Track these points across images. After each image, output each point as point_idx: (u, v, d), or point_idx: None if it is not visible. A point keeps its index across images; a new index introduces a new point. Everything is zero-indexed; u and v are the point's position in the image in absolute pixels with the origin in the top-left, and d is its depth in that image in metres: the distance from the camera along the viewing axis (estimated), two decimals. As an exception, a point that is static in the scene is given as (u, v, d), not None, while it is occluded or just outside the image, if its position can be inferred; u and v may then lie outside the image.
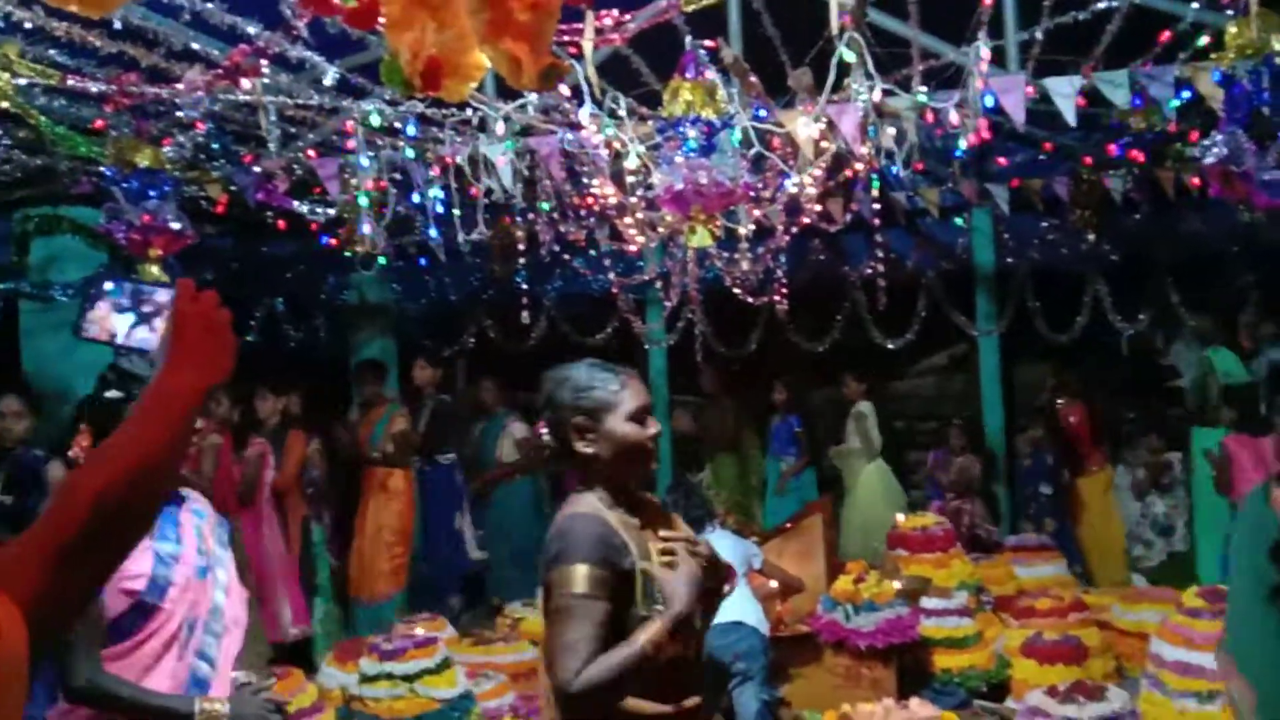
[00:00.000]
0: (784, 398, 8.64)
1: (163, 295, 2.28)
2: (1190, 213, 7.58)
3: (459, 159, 5.02)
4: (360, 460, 7.19)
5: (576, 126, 4.69)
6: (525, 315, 7.25)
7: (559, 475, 8.12)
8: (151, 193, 4.13)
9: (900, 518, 6.16)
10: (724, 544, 4.90)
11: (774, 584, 5.38)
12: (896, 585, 5.25)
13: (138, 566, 2.43)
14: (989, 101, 4.33)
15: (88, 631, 2.41)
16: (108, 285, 1.54)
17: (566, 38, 3.31)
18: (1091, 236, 7.23)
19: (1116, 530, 7.44)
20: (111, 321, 1.45)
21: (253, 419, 6.60)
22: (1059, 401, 7.75)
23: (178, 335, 1.43)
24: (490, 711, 4.53)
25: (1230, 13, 3.98)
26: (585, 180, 5.44)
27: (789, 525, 6.35)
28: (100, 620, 2.43)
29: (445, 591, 7.32)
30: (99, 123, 4.49)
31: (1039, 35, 4.51)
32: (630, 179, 5.07)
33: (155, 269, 4.21)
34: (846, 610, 5.16)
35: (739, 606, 4.65)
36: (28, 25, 3.59)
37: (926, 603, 5.23)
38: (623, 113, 4.33)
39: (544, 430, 2.39)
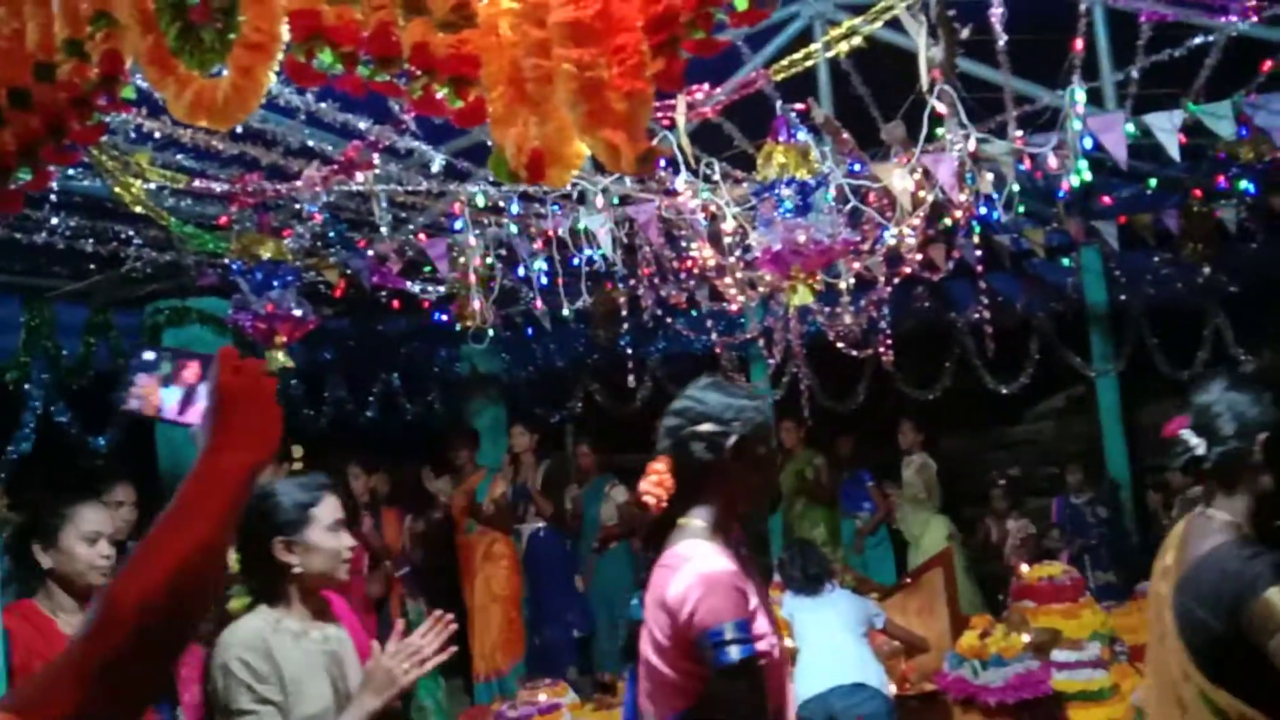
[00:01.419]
0: (849, 452, 8.45)
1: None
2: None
3: (560, 231, 5.16)
4: (457, 532, 7.12)
5: (673, 193, 4.79)
6: (630, 378, 7.33)
7: (656, 540, 8.12)
8: (275, 283, 4.35)
9: (1025, 568, 5.99)
10: (843, 603, 4.85)
11: (897, 643, 5.29)
12: (1025, 638, 5.11)
13: None
14: (1088, 143, 4.29)
15: None
16: (148, 355, 1.37)
17: (660, 113, 3.40)
18: (1207, 269, 7.03)
19: None
20: (158, 396, 1.29)
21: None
22: None
23: (221, 410, 1.30)
24: (616, 777, 4.55)
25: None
26: (684, 244, 5.53)
27: (909, 580, 6.24)
28: None
29: (562, 660, 7.21)
30: (223, 219, 4.75)
31: (1135, 74, 4.46)
32: (728, 240, 5.14)
33: (280, 355, 4.41)
34: (974, 666, 5.03)
35: (861, 667, 4.58)
36: (157, 135, 3.85)
37: (1057, 655, 5.07)
38: (717, 177, 4.41)
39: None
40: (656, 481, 2.24)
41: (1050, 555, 6.98)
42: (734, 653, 2.01)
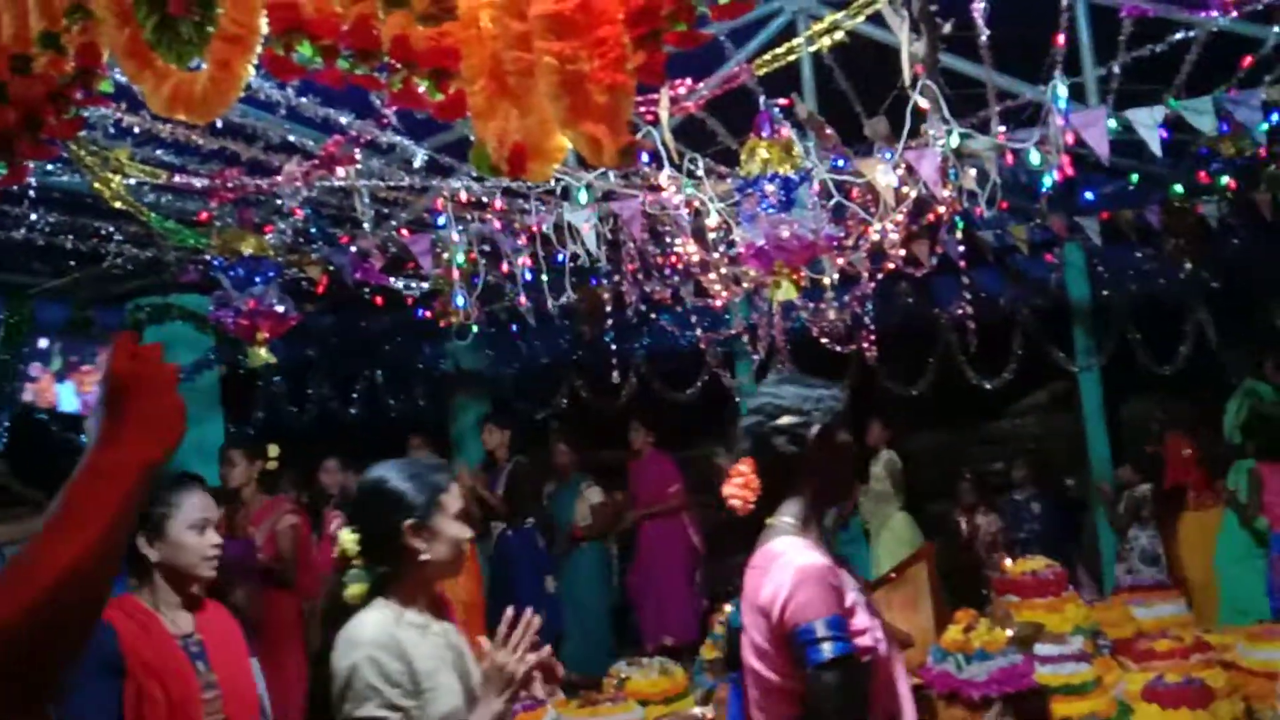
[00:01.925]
0: None
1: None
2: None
3: (544, 227, 5.15)
4: None
5: (657, 189, 4.79)
6: (615, 374, 7.33)
7: (630, 540, 8.09)
8: (256, 279, 4.33)
9: (1009, 563, 6.01)
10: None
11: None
12: (1009, 633, 5.12)
13: None
14: (1070, 138, 4.30)
15: None
16: (41, 343, 1.20)
17: (643, 107, 3.40)
18: (1189, 265, 7.07)
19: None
20: (53, 390, 1.15)
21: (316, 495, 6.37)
22: (1166, 435, 7.52)
23: (114, 400, 1.14)
24: (600, 774, 4.54)
25: (1315, 32, 3.92)
26: (668, 240, 5.52)
27: (893, 575, 6.25)
28: None
29: None
30: (204, 215, 4.72)
31: (1116, 69, 4.47)
32: (712, 236, 5.14)
33: (263, 351, 4.39)
34: (958, 660, 5.04)
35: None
36: (136, 130, 3.82)
37: (1041, 649, 5.08)
38: (701, 173, 4.41)
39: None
40: (743, 483, 2.21)
41: (1027, 549, 7.00)
42: (827, 650, 1.97)
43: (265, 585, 5.20)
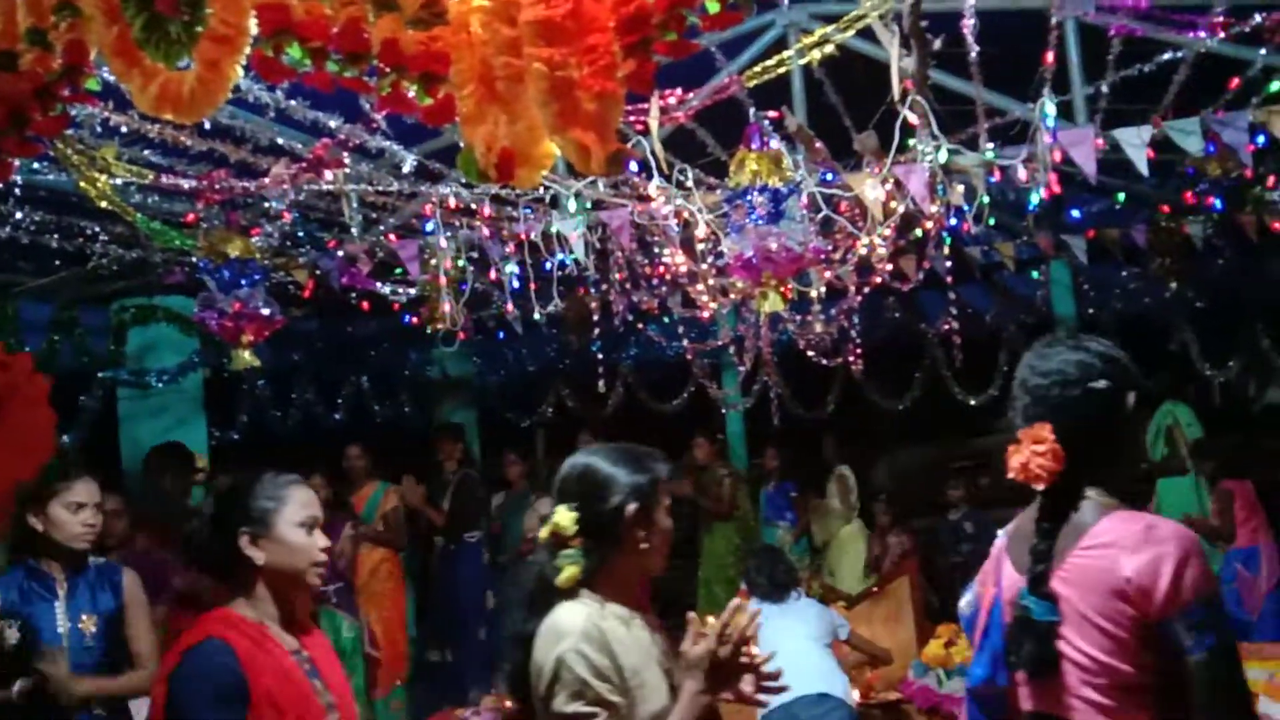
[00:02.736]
0: (775, 464, 8.41)
1: None
2: (1276, 256, 7.42)
3: (533, 235, 5.15)
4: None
5: (646, 199, 4.79)
6: (602, 384, 7.33)
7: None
8: (242, 281, 4.30)
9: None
10: (808, 612, 4.84)
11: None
12: (989, 648, 5.12)
13: None
14: (1057, 155, 4.32)
15: None
16: None
17: (633, 117, 3.40)
18: (1175, 284, 7.11)
19: None
20: None
21: None
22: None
23: None
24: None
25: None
26: (656, 250, 5.53)
27: (875, 590, 6.26)
28: None
29: (466, 677, 6.52)
30: (191, 216, 4.71)
31: (1104, 89, 4.50)
32: (700, 247, 5.14)
33: (247, 354, 4.37)
34: (939, 675, 5.05)
35: (826, 677, 4.57)
36: (124, 129, 3.80)
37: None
38: (690, 183, 4.42)
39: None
40: (1047, 451, 1.98)
41: (959, 570, 6.95)
42: (1217, 633, 1.79)
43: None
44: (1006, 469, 2.04)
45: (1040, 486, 2.01)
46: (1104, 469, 2.01)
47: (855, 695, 4.81)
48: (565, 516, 2.14)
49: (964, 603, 2.27)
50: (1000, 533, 2.23)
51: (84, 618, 3.18)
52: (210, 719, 2.20)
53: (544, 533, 2.17)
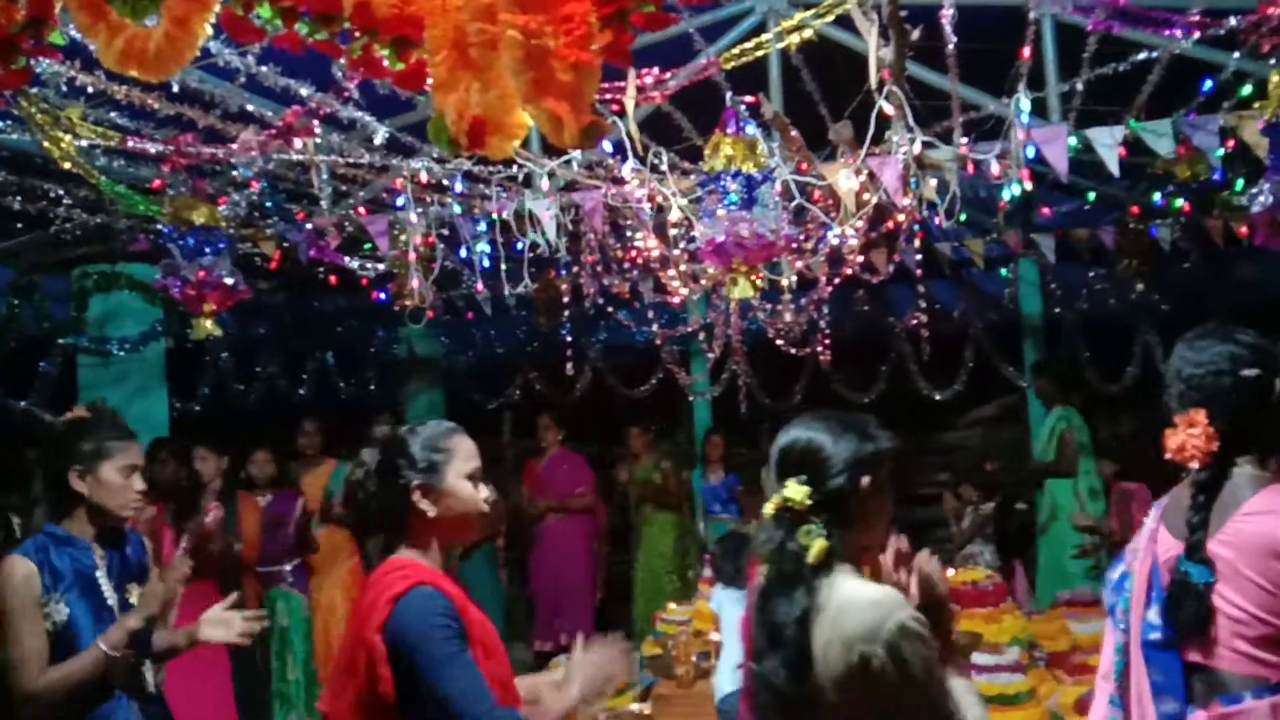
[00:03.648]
0: (716, 455, 8.37)
1: None
2: (1242, 261, 7.50)
3: (505, 214, 5.11)
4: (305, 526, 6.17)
5: (619, 181, 4.77)
6: (570, 367, 7.30)
7: (516, 538, 7.94)
8: (207, 249, 4.24)
9: (950, 572, 6.07)
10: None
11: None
12: (946, 640, 5.16)
13: None
14: (1030, 152, 4.34)
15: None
16: None
17: (609, 95, 3.38)
18: (1140, 286, 7.18)
19: None
20: None
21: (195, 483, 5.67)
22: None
23: None
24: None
25: (1273, 62, 3.98)
26: (629, 233, 5.51)
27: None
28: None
29: None
30: (157, 182, 4.63)
31: (1079, 86, 4.52)
32: (673, 232, 5.13)
33: (209, 323, 4.31)
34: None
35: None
36: (90, 89, 3.73)
37: (977, 658, 5.13)
38: (664, 167, 4.40)
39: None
40: (1201, 434, 2.26)
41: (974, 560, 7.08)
42: None
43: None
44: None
45: (1195, 465, 2.29)
46: (1255, 448, 2.29)
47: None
48: (797, 490, 2.06)
49: (1114, 573, 2.59)
50: (1154, 506, 2.53)
51: (128, 588, 2.94)
52: (454, 651, 2.19)
53: (770, 507, 2.09)
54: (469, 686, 2.17)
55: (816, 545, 2.01)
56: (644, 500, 8.10)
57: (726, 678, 4.60)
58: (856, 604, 1.96)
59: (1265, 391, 2.27)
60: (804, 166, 4.39)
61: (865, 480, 2.06)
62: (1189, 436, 2.28)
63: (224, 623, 3.00)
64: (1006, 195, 4.66)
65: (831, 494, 2.05)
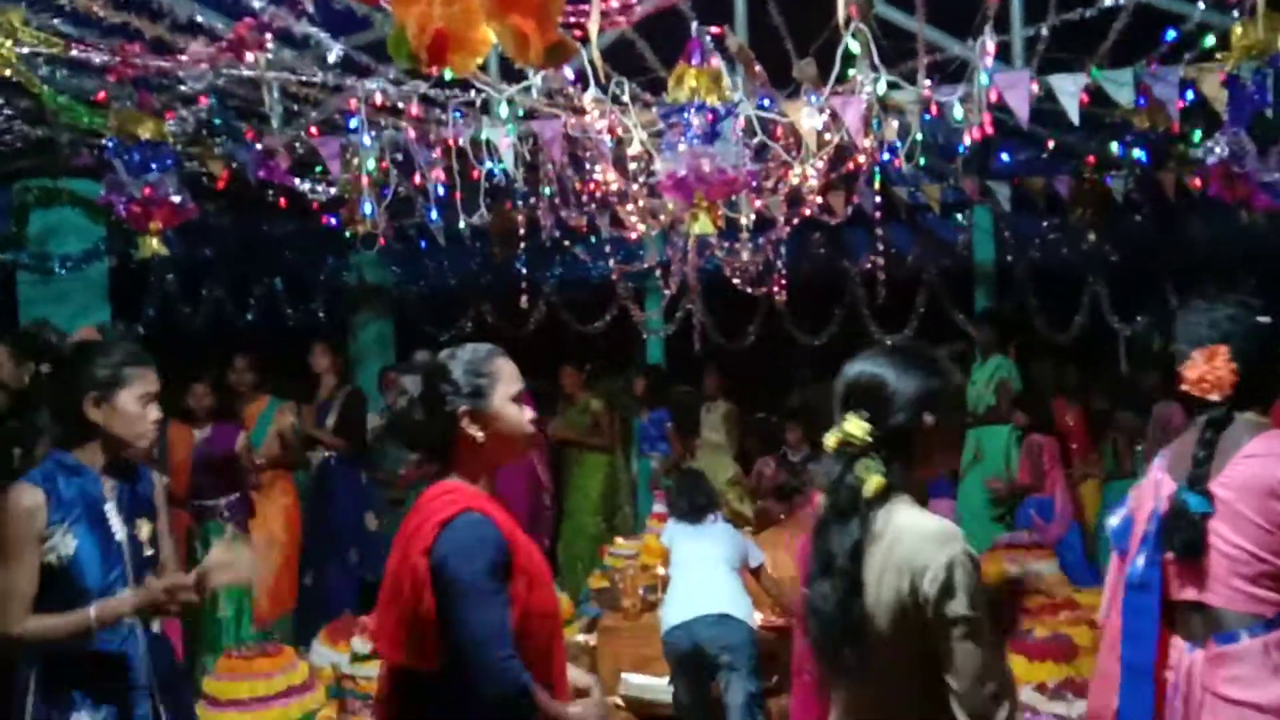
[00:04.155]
0: (645, 393, 8.32)
1: None
2: (1191, 216, 7.59)
3: (461, 141, 5.01)
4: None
5: (580, 111, 4.69)
6: (524, 301, 7.22)
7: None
8: (153, 165, 4.11)
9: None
10: (721, 536, 4.91)
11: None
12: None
13: None
14: (993, 96, 4.33)
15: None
16: None
17: (572, 19, 3.30)
18: (1092, 236, 7.25)
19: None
20: None
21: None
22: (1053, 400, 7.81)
23: None
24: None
25: (1236, 14, 3.98)
26: (588, 166, 5.43)
27: (783, 517, 6.36)
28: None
29: (339, 600, 6.35)
30: (101, 95, 4.48)
31: (1045, 31, 4.50)
32: (633, 166, 5.07)
33: (155, 241, 4.20)
34: (837, 602, 5.16)
35: (729, 599, 4.65)
36: (32, -7, 3.58)
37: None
38: (626, 98, 4.33)
39: None
40: (1222, 365, 2.45)
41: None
42: None
43: None
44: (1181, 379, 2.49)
45: (1215, 398, 2.46)
46: (1259, 396, 2.49)
47: (758, 618, 4.90)
48: (858, 426, 2.02)
49: (1114, 519, 2.75)
50: (1158, 456, 2.68)
51: (138, 523, 2.77)
52: (487, 588, 2.21)
53: (832, 441, 2.05)
54: (489, 627, 2.20)
55: (873, 481, 1.99)
56: (566, 442, 8.03)
57: (674, 611, 4.65)
58: (912, 533, 1.96)
59: (1275, 341, 2.47)
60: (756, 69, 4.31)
61: (929, 418, 2.04)
62: (1210, 369, 2.44)
63: (229, 565, 2.80)
64: (968, 140, 4.64)
65: (893, 430, 2.02)
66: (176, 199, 4.15)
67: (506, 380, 2.39)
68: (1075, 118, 4.60)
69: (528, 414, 2.43)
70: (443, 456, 2.39)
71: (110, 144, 4.26)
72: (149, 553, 2.78)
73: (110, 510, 2.71)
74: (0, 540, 2.60)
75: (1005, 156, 6.70)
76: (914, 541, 1.95)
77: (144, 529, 2.77)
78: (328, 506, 6.77)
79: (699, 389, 8.36)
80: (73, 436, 2.71)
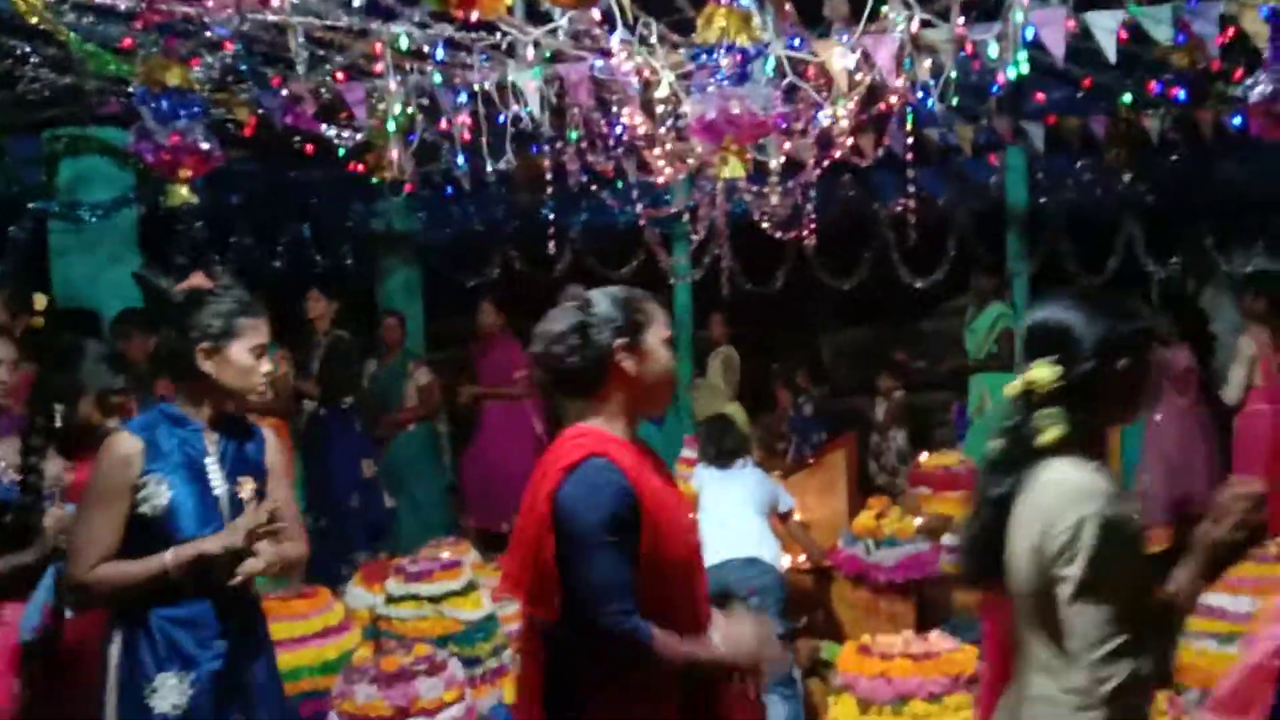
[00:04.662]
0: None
1: None
2: (1227, 157, 7.45)
3: (487, 85, 4.97)
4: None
5: (607, 53, 4.63)
6: (551, 246, 7.18)
7: (463, 421, 7.86)
8: (180, 113, 4.11)
9: (924, 456, 6.17)
10: (751, 481, 4.93)
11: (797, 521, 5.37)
12: (918, 522, 5.27)
13: None
14: (1029, 34, 4.24)
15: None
16: None
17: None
18: (1127, 177, 7.12)
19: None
20: None
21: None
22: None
23: None
24: (513, 633, 4.60)
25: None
26: (615, 109, 5.38)
27: (811, 460, 6.37)
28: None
29: (351, 547, 6.50)
30: (127, 41, 4.46)
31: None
32: (660, 109, 5.01)
33: (184, 190, 4.21)
34: (867, 545, 5.19)
35: (757, 543, 4.68)
36: (57, -61, 3.56)
37: (948, 540, 5.25)
38: (654, 39, 4.27)
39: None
40: None
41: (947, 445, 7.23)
42: None
43: None
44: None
45: None
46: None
47: (785, 561, 4.94)
48: (1044, 373, 1.99)
49: None
50: None
51: (240, 480, 2.69)
52: (606, 542, 2.15)
53: (1015, 388, 2.04)
54: (602, 581, 2.14)
55: (1052, 431, 1.97)
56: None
57: (705, 553, 4.68)
58: (1058, 486, 1.94)
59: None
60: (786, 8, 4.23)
61: (1120, 362, 1.99)
62: None
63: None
64: (1003, 80, 4.56)
65: (1080, 377, 1.98)
66: (204, 146, 4.16)
67: (661, 322, 2.34)
68: (1112, 55, 4.50)
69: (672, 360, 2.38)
70: (590, 394, 2.32)
71: (137, 92, 4.26)
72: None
73: (211, 464, 2.65)
74: (90, 486, 2.58)
75: (1038, 99, 6.57)
76: (1054, 494, 1.94)
77: (247, 486, 2.69)
78: (324, 458, 6.74)
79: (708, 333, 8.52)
80: (190, 391, 2.65)
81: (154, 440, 2.59)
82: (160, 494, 2.55)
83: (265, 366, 2.68)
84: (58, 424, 3.17)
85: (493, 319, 7.74)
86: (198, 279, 2.70)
